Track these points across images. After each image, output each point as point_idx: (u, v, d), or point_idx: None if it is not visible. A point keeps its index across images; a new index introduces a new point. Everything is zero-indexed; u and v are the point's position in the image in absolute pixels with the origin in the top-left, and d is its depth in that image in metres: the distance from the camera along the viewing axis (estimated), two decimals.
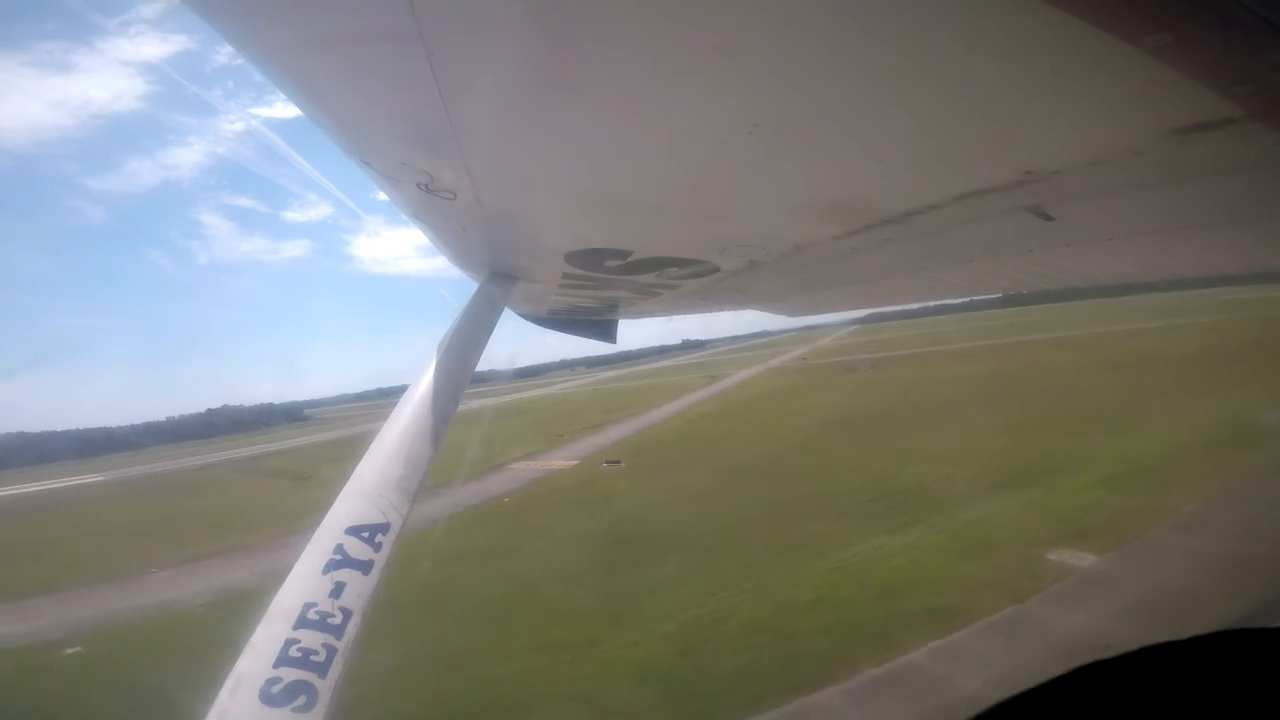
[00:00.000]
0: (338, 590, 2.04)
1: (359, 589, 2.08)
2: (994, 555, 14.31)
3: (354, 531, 2.19)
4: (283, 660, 1.85)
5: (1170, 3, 1.02)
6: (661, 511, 22.96)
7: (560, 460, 36.55)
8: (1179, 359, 31.88)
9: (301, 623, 1.94)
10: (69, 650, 16.21)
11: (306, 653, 1.88)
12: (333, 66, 1.46)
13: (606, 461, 34.32)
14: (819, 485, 22.93)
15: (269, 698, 1.79)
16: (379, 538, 2.22)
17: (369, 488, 2.35)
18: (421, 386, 2.68)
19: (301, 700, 1.80)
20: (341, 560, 2.11)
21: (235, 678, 1.83)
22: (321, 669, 1.88)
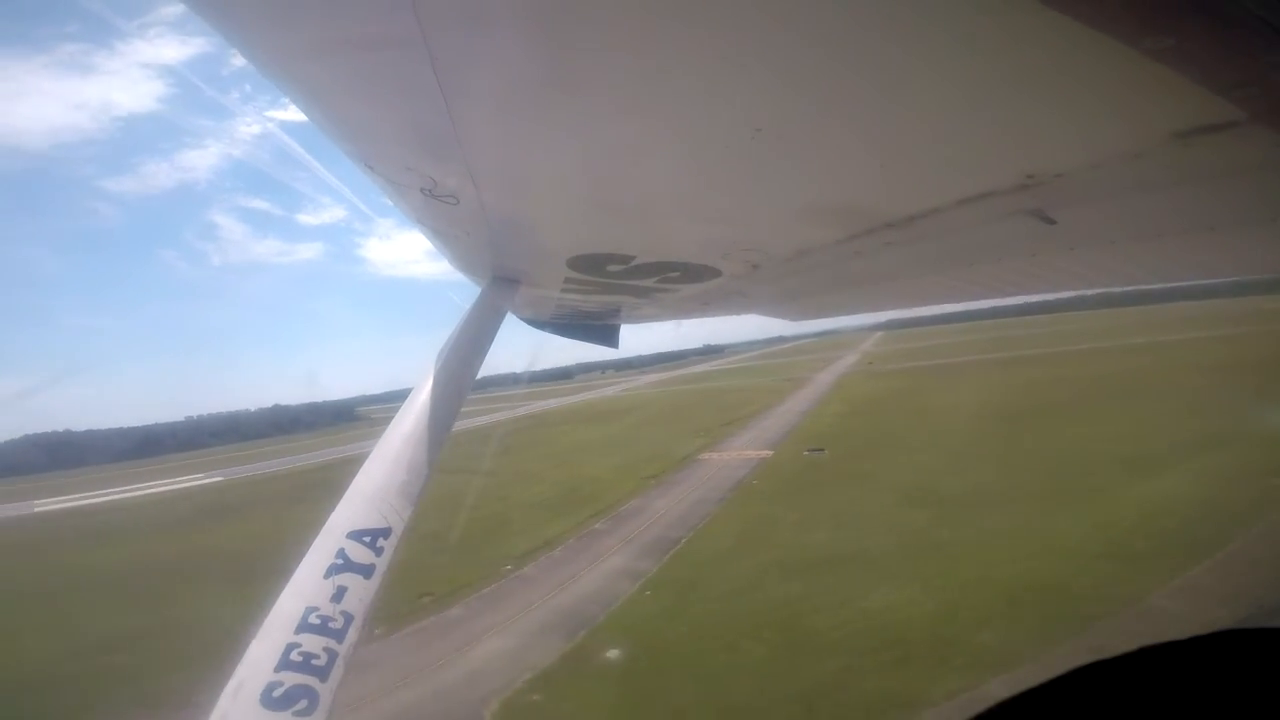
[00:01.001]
0: (339, 594, 2.04)
1: (360, 593, 2.08)
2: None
3: (356, 536, 2.19)
4: (284, 665, 1.85)
5: (1172, 5, 1.02)
6: (936, 480, 25.63)
7: (750, 450, 37.81)
8: (1255, 362, 35.01)
9: (303, 627, 1.94)
10: None
11: (308, 657, 1.88)
12: (337, 72, 1.47)
13: (808, 449, 35.29)
14: (1069, 452, 26.31)
15: (270, 702, 1.78)
16: (381, 542, 2.22)
17: (371, 492, 2.35)
18: (424, 391, 2.68)
19: (303, 704, 1.80)
20: (343, 564, 2.11)
21: (236, 682, 1.83)
22: (323, 673, 1.87)
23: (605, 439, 50.67)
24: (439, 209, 2.21)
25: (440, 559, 22.11)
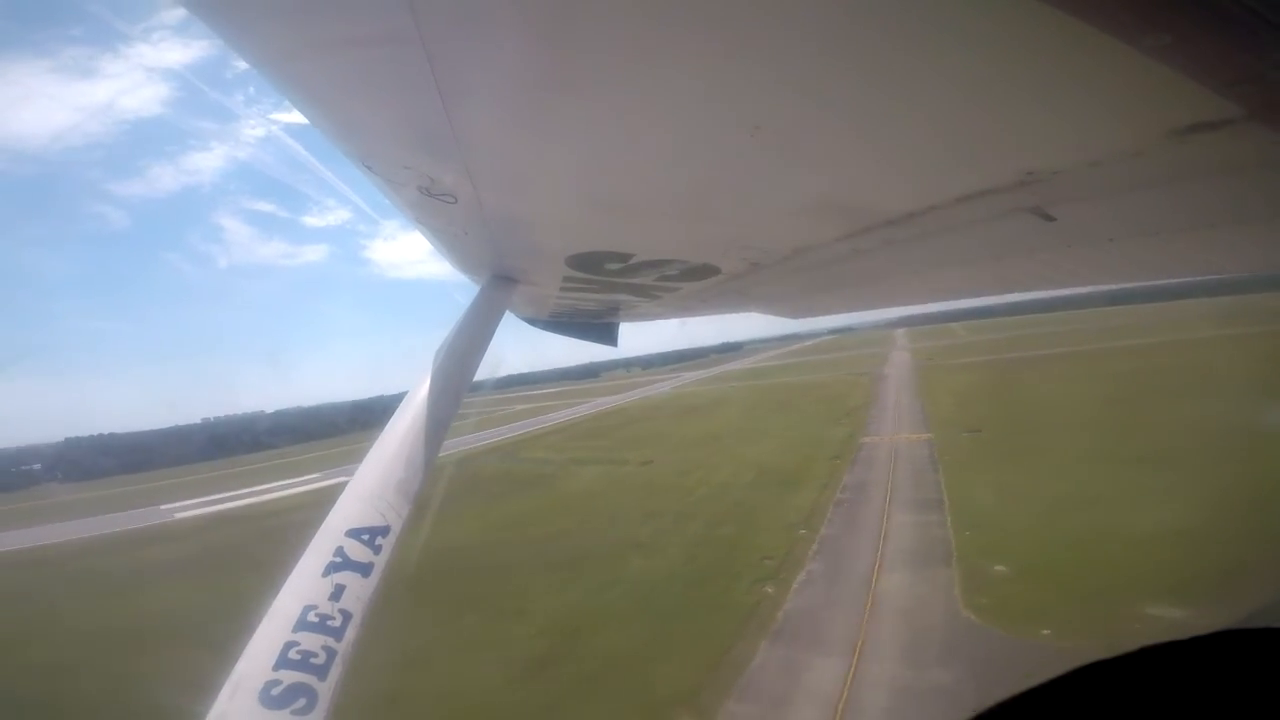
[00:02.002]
0: (337, 593, 2.04)
1: (359, 591, 2.08)
2: None
3: (354, 534, 2.19)
4: (282, 663, 1.85)
5: (1169, 3, 1.02)
6: (1124, 447, 27.36)
7: (906, 434, 39.00)
8: None
9: (301, 625, 1.94)
10: None
11: (306, 655, 1.88)
12: (335, 71, 1.47)
13: (966, 431, 36.20)
14: (1206, 424, 27.81)
15: (268, 700, 1.78)
16: (379, 540, 2.22)
17: (370, 490, 2.34)
18: (423, 389, 2.67)
19: (301, 703, 1.80)
20: (342, 563, 2.11)
21: (234, 680, 1.83)
22: (321, 671, 1.87)
23: (727, 430, 50.43)
24: (437, 208, 2.21)
25: (726, 530, 24.36)
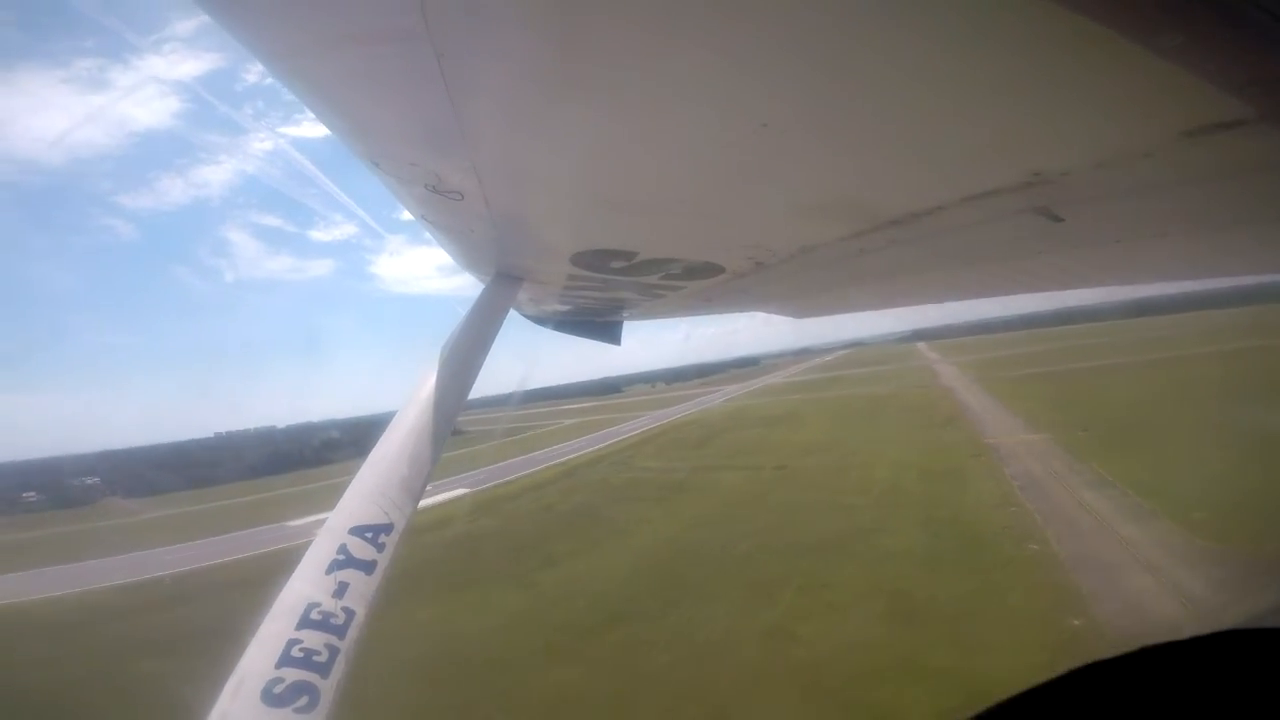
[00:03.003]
0: (341, 590, 2.04)
1: (362, 589, 2.08)
2: None
3: (358, 531, 2.19)
4: (285, 660, 1.85)
5: (1181, 4, 1.02)
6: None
7: (1023, 435, 38.88)
8: None
9: (304, 623, 1.94)
10: None
11: (309, 653, 1.88)
12: (344, 68, 1.47)
13: (1078, 430, 36.24)
14: None
15: (271, 698, 1.78)
16: (382, 538, 2.22)
17: (373, 488, 2.35)
18: (428, 387, 2.67)
19: (304, 701, 1.80)
20: (345, 560, 2.11)
21: (237, 678, 1.83)
22: (324, 669, 1.87)
23: (833, 439, 48.23)
24: (444, 205, 2.21)
25: (940, 512, 24.84)
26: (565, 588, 24.99)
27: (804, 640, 17.10)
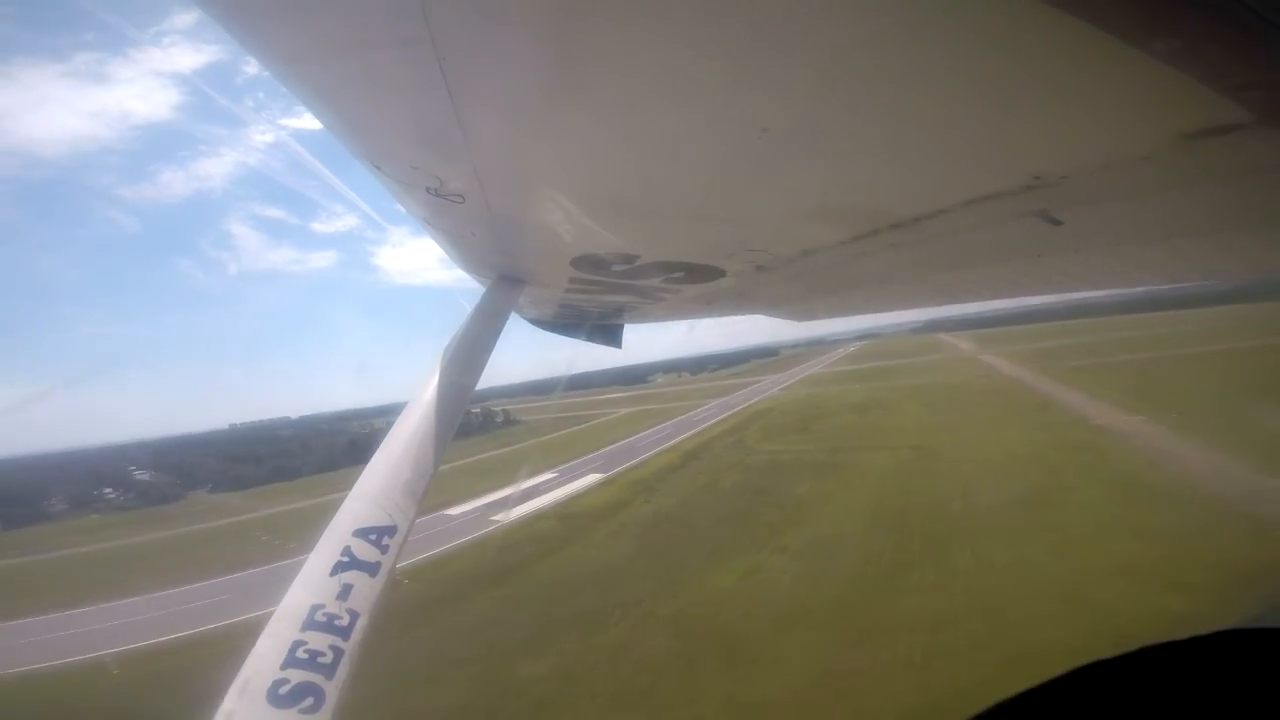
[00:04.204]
0: (345, 592, 2.04)
1: (366, 591, 2.08)
2: None
3: (361, 534, 2.20)
4: (290, 662, 1.86)
5: (1180, 6, 1.02)
6: None
7: (1123, 415, 40.16)
8: None
9: (309, 624, 1.94)
10: None
11: (314, 654, 1.88)
12: (346, 70, 1.48)
13: (1171, 413, 37.67)
14: None
15: (276, 699, 1.79)
16: (386, 540, 2.23)
17: (376, 490, 2.35)
18: (429, 390, 2.68)
19: (309, 702, 1.80)
20: (349, 562, 2.12)
21: (242, 679, 1.83)
22: (329, 671, 1.88)
23: (937, 424, 48.93)
24: (445, 208, 2.22)
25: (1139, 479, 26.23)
26: (828, 546, 27.04)
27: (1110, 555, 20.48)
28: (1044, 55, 1.20)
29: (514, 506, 44.36)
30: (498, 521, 41.13)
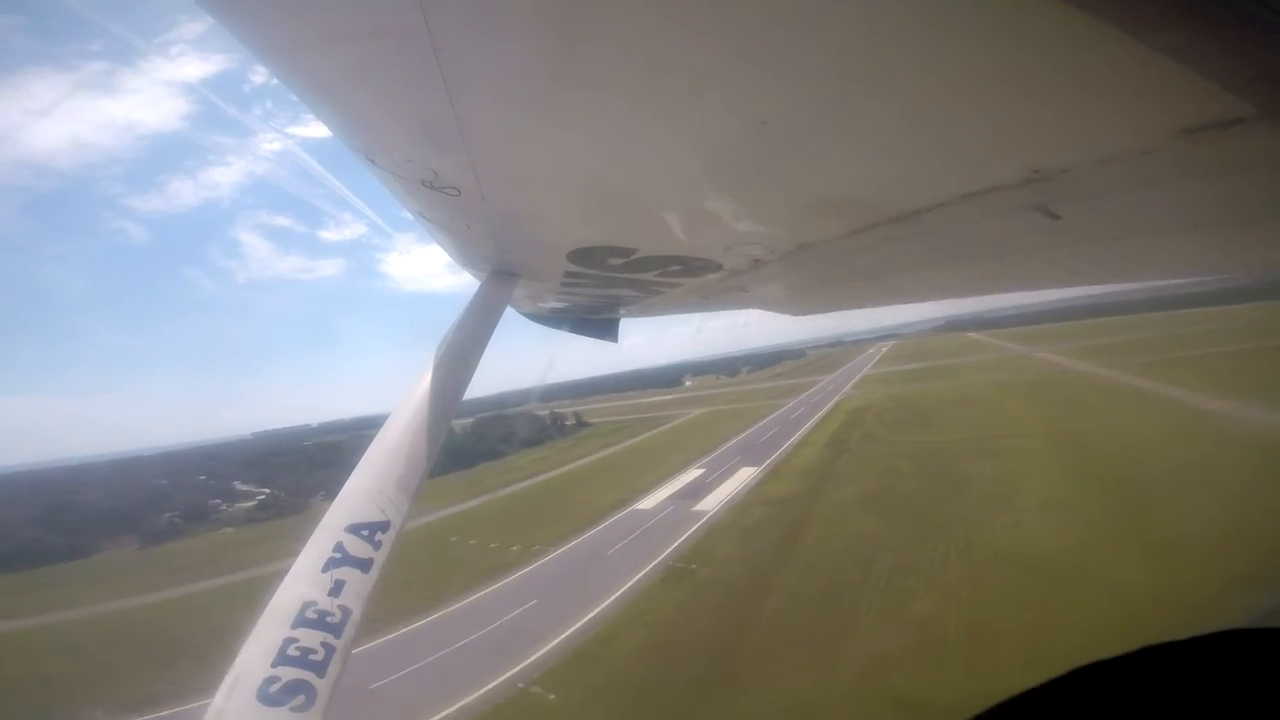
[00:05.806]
0: (337, 588, 2.03)
1: (358, 587, 2.07)
2: None
3: (354, 529, 2.19)
4: (281, 659, 1.85)
5: (1183, 1, 1.01)
6: None
7: (1229, 401, 40.00)
8: None
9: (300, 621, 1.93)
10: None
11: (305, 652, 1.88)
12: (341, 63, 1.46)
13: (1262, 399, 37.87)
14: None
15: (266, 697, 1.78)
16: (379, 536, 2.21)
17: (370, 485, 2.34)
18: (423, 384, 2.67)
19: (300, 699, 1.80)
20: (341, 558, 2.10)
21: (232, 677, 1.82)
22: (320, 668, 1.87)
23: (1053, 415, 49.52)
24: (440, 201, 2.20)
25: None
26: (1063, 505, 28.63)
27: None
28: (1043, 48, 1.18)
29: (700, 499, 43.67)
30: (703, 513, 40.73)
